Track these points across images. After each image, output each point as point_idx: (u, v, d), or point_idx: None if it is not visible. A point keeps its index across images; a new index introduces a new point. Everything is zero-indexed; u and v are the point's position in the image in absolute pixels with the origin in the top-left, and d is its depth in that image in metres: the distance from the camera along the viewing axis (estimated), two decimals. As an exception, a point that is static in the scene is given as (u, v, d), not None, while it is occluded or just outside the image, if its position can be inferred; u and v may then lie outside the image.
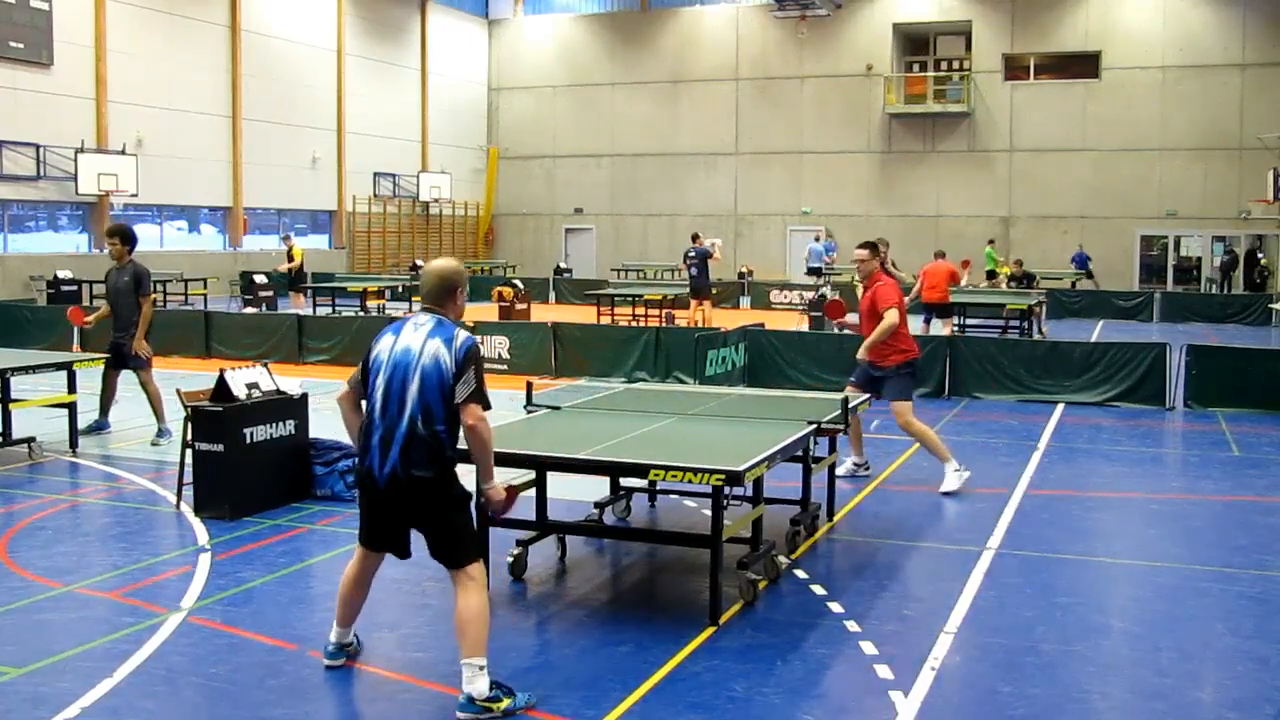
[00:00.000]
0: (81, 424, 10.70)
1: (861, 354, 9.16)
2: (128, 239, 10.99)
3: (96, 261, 28.64)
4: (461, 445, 4.98)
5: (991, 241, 34.21)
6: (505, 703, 4.75)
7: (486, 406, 4.91)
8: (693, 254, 21.95)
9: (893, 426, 11.91)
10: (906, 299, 9.68)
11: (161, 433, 10.73)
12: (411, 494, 4.88)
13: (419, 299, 5.34)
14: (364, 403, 5.12)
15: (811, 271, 32.77)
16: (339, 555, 7.10)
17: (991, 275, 30.96)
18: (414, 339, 4.96)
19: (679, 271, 35.97)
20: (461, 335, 4.96)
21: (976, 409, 13.30)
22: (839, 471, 9.10)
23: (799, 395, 8.79)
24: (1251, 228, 35.11)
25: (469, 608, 4.84)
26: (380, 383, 4.97)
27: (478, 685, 4.73)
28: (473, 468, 5.04)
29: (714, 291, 24.18)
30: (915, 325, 19.51)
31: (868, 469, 9.64)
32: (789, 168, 39.90)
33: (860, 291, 9.80)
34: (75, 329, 18.21)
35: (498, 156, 44.07)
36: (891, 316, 8.94)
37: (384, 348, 5.04)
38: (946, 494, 8.85)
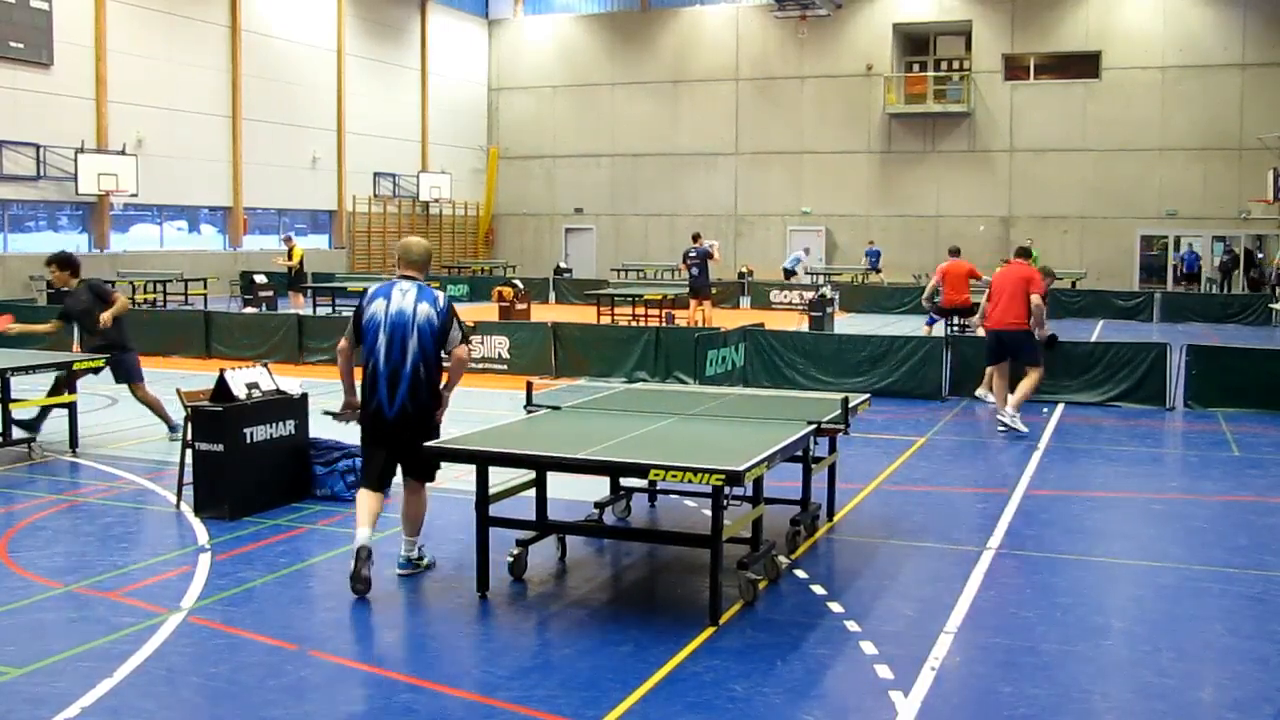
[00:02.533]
0: (127, 409, 10.86)
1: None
2: (66, 264, 10.73)
3: (96, 262, 28.65)
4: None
5: (1030, 242, 32.93)
6: (424, 561, 6.77)
7: (467, 343, 6.69)
8: (693, 254, 21.90)
9: (893, 426, 11.93)
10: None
11: (174, 428, 10.69)
12: (411, 422, 6.40)
13: (399, 268, 6.76)
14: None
15: (787, 274, 33.04)
16: (339, 555, 7.10)
17: None
18: (405, 302, 6.46)
19: (679, 271, 35.99)
20: (441, 297, 6.55)
21: (976, 409, 13.30)
22: (1009, 421, 11.51)
23: (799, 395, 8.79)
24: (1251, 228, 35.12)
25: (420, 504, 6.65)
26: (383, 338, 6.38)
27: (413, 553, 6.70)
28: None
29: (714, 291, 24.17)
30: (919, 326, 19.61)
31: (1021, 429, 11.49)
32: (789, 168, 39.91)
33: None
34: (75, 329, 18.22)
35: (498, 156, 44.07)
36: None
37: (379, 309, 6.46)
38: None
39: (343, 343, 6.64)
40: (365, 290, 6.92)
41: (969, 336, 16.87)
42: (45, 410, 10.72)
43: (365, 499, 6.50)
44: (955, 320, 18.59)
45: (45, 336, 11.42)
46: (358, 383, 6.64)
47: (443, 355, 6.53)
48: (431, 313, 6.43)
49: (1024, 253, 12.71)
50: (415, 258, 6.69)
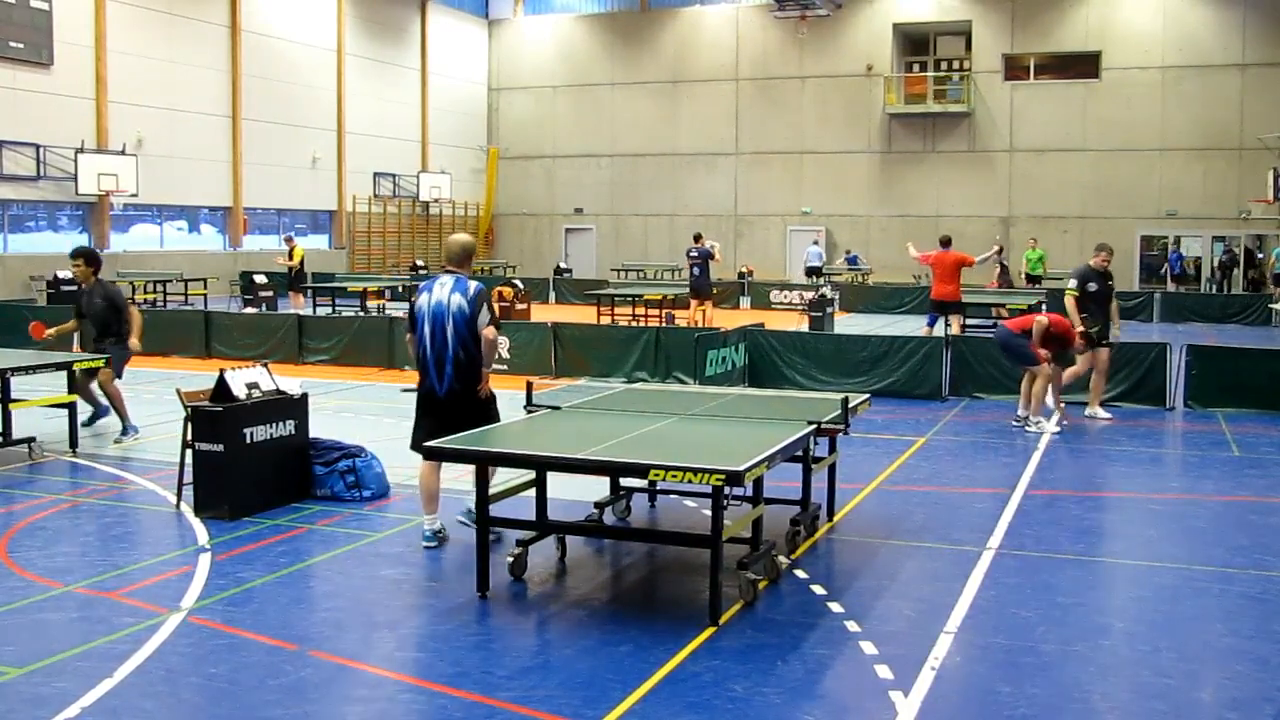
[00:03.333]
0: (82, 416, 10.91)
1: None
2: (92, 260, 11.13)
3: (96, 261, 28.64)
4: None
5: (1034, 240, 32.08)
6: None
7: (498, 327, 7.32)
8: (695, 253, 21.85)
9: (893, 426, 11.94)
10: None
11: (127, 430, 10.87)
12: (460, 399, 7.22)
13: (443, 264, 7.57)
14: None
15: (810, 271, 32.88)
16: (339, 555, 7.10)
17: (1033, 279, 29.73)
18: (442, 295, 7.25)
19: (679, 271, 36.04)
20: (473, 285, 7.26)
21: (976, 409, 13.30)
22: (1051, 427, 11.80)
23: (799, 395, 8.79)
24: (1251, 228, 35.12)
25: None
26: (427, 328, 7.23)
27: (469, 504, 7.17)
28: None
29: (714, 291, 24.14)
30: (919, 327, 19.59)
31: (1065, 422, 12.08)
32: (789, 168, 39.91)
33: None
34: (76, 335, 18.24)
35: (498, 156, 44.07)
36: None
37: (422, 303, 7.29)
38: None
39: (408, 335, 7.53)
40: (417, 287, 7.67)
41: (969, 336, 16.86)
42: (91, 401, 11.24)
43: (427, 478, 7.26)
44: (933, 320, 18.40)
45: (72, 334, 11.84)
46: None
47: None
48: (463, 301, 7.19)
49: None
50: (453, 254, 7.47)
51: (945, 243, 18.83)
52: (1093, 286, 12.60)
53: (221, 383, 8.12)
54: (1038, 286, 28.27)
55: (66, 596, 6.29)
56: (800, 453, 7.09)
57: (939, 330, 18.07)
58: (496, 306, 20.06)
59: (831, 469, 8.21)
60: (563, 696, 4.96)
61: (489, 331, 7.19)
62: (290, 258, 26.21)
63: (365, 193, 38.52)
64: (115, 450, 10.45)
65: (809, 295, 24.41)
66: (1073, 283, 12.59)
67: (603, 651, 5.50)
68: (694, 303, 21.93)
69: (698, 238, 22.89)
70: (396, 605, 6.22)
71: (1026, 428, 11.88)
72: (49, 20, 27.41)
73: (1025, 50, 37.27)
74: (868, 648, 5.57)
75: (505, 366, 16.07)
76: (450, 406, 7.20)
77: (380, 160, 39.02)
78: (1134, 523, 8.44)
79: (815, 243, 35.89)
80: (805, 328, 20.20)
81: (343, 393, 14.34)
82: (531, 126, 43.49)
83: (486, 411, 7.33)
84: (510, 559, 6.64)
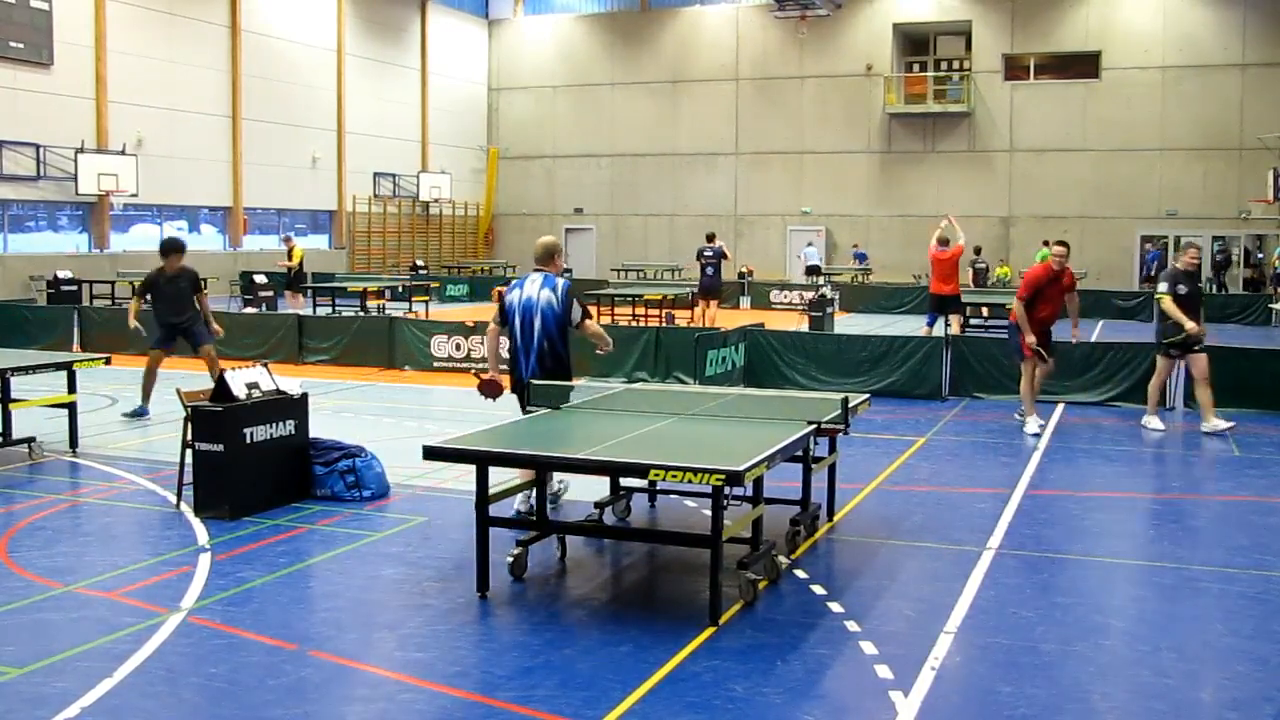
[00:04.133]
0: (126, 408, 11.86)
1: (1033, 345, 11.72)
2: (183, 250, 12.59)
3: (96, 262, 28.67)
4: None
5: (1047, 243, 32.70)
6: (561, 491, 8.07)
7: (589, 317, 8.11)
8: (709, 253, 21.83)
9: (893, 426, 11.93)
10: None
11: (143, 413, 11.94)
12: (547, 380, 7.84)
13: (535, 263, 8.18)
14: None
15: (811, 271, 32.92)
16: (339, 555, 7.10)
17: None
18: (532, 291, 7.91)
19: (680, 271, 36.06)
20: (561, 283, 7.93)
21: (976, 409, 13.30)
22: (1030, 428, 11.59)
23: (799, 395, 8.79)
24: (1251, 228, 35.12)
25: None
26: (517, 321, 7.92)
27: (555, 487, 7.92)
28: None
29: (723, 292, 24.14)
30: (919, 326, 19.60)
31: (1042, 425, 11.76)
32: (789, 168, 39.92)
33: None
34: (76, 328, 18.25)
35: (498, 156, 44.08)
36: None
37: (514, 298, 7.96)
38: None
39: (492, 325, 8.16)
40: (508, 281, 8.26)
41: (970, 336, 16.87)
42: (148, 390, 12.17)
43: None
44: (933, 320, 18.50)
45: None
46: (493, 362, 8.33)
47: (570, 331, 8.02)
48: (552, 298, 7.85)
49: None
50: (538, 253, 8.13)
51: (944, 242, 18.86)
52: (1183, 289, 11.75)
53: (221, 383, 8.12)
54: None
55: (66, 596, 6.29)
56: (800, 453, 7.09)
57: (939, 330, 18.07)
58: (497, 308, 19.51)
59: (831, 469, 8.21)
60: (563, 696, 4.96)
61: (589, 324, 8.10)
62: (289, 258, 26.20)
63: (365, 193, 38.53)
64: (115, 450, 10.45)
65: (809, 295, 24.41)
66: (1163, 285, 11.84)
67: (603, 651, 5.50)
68: (703, 302, 21.94)
69: (711, 237, 22.84)
70: (396, 605, 6.22)
71: (1024, 427, 11.88)
72: (49, 20, 27.42)
73: (1025, 50, 37.28)
74: (868, 648, 5.57)
75: (505, 366, 16.05)
76: (534, 389, 7.88)
77: (380, 160, 39.02)
78: (1134, 523, 8.44)
79: (810, 244, 35.93)
80: (805, 328, 20.18)
81: (343, 393, 14.34)
82: (531, 126, 43.49)
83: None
84: (510, 559, 6.64)
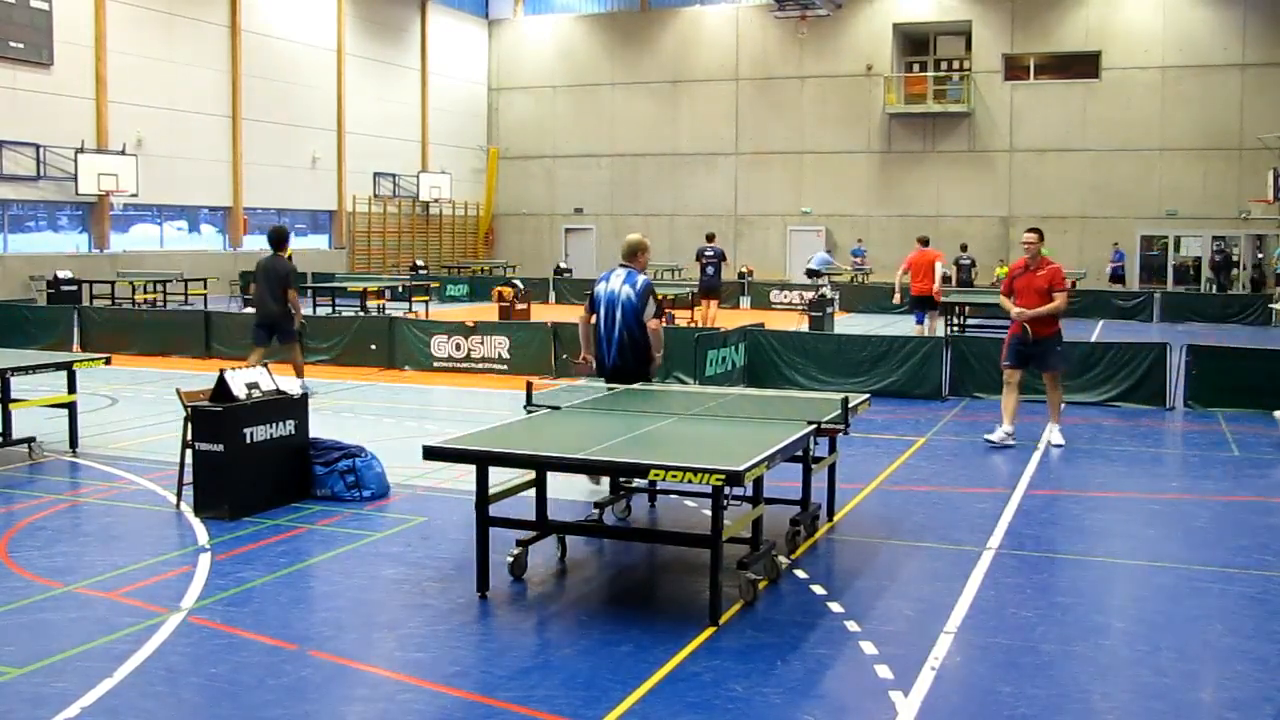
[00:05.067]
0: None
1: (1023, 315, 10.72)
2: (286, 239, 13.47)
3: (96, 262, 28.66)
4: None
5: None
6: None
7: (659, 316, 8.60)
8: (710, 253, 21.99)
9: (893, 426, 11.93)
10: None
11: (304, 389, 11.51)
12: (623, 371, 8.50)
13: (621, 259, 8.70)
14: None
15: (811, 273, 32.97)
16: (339, 555, 7.10)
17: None
18: (615, 284, 8.49)
19: (680, 271, 36.07)
20: (640, 279, 8.47)
21: (976, 409, 13.30)
22: (994, 438, 10.82)
23: (799, 395, 8.79)
24: (1251, 228, 35.12)
25: None
26: (602, 311, 8.51)
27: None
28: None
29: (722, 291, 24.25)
30: (909, 326, 19.62)
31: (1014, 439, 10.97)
32: (789, 168, 39.91)
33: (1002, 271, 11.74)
34: (76, 328, 18.26)
35: (498, 156, 44.08)
36: (1064, 299, 10.85)
37: (600, 290, 8.54)
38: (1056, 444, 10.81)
39: (582, 314, 8.82)
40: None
41: (970, 336, 16.89)
42: (300, 371, 12.91)
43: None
44: (921, 318, 19.08)
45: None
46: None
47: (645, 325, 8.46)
48: (631, 293, 8.39)
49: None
50: (625, 250, 8.68)
51: (924, 242, 19.66)
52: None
53: (221, 383, 8.12)
54: None
55: (66, 596, 6.29)
56: (800, 453, 7.09)
57: (939, 330, 18.12)
58: (497, 308, 19.78)
59: (831, 469, 8.21)
60: (563, 696, 4.96)
61: (653, 323, 8.48)
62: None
63: (365, 193, 38.52)
64: (115, 450, 10.45)
65: (809, 295, 24.42)
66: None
67: (603, 651, 5.50)
68: (704, 301, 22.05)
69: (711, 237, 23.02)
70: (396, 605, 6.22)
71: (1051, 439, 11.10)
72: (49, 20, 27.42)
73: (1025, 50, 37.28)
74: (868, 648, 5.57)
75: (505, 367, 16.08)
76: (618, 378, 8.53)
77: (380, 160, 39.02)
78: (1134, 523, 8.44)
79: (829, 251, 35.87)
80: (805, 328, 20.19)
81: (343, 393, 14.34)
82: (531, 126, 43.49)
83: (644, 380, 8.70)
84: (510, 559, 6.64)
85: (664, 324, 8.69)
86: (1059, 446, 10.84)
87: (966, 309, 20.66)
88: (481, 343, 16.29)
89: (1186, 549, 7.55)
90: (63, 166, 27.66)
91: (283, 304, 12.90)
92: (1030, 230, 11.17)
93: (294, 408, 8.51)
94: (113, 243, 29.96)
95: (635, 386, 8.37)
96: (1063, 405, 11.38)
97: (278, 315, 12.94)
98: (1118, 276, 34.26)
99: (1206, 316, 27.41)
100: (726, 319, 21.32)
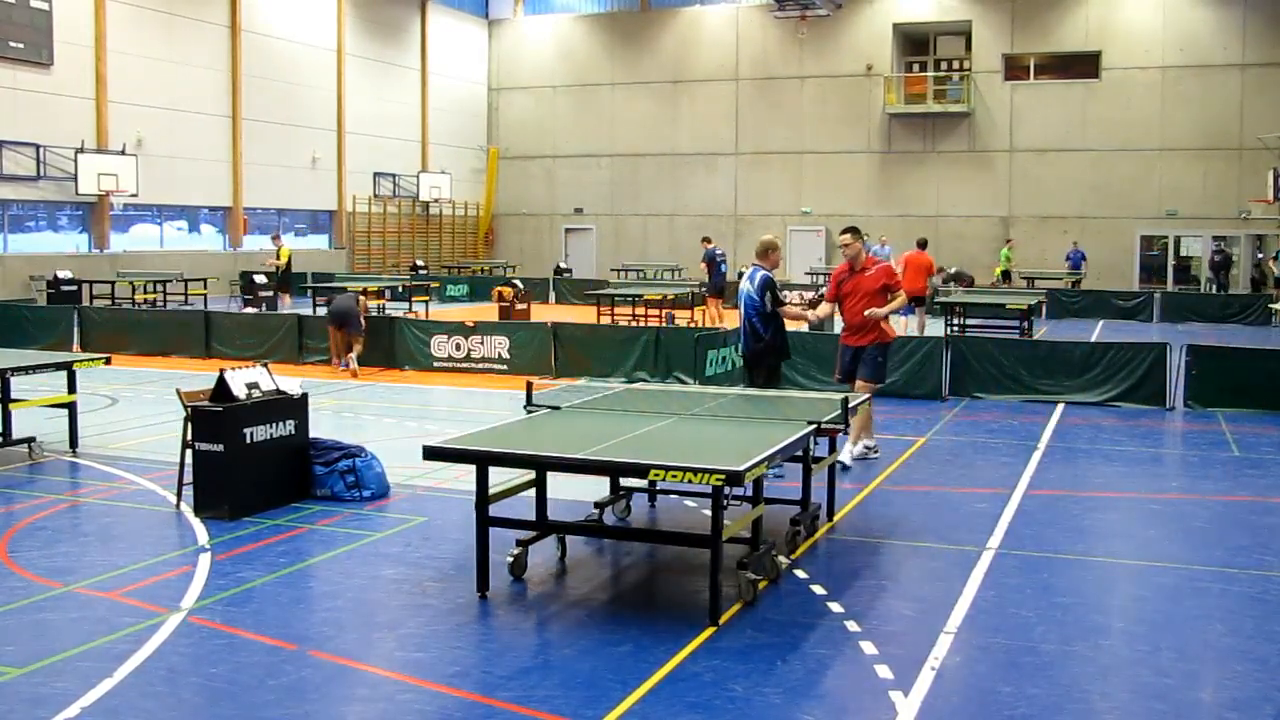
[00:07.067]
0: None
1: (877, 314, 9.88)
2: None
3: (96, 262, 28.65)
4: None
5: (1009, 241, 34.88)
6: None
7: (781, 305, 9.69)
8: (719, 253, 22.61)
9: (893, 425, 11.93)
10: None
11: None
12: (751, 358, 9.77)
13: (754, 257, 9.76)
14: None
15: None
16: (339, 555, 7.10)
17: (1007, 277, 31.68)
18: (745, 281, 9.73)
19: (680, 271, 36.06)
20: (759, 276, 9.57)
21: (976, 409, 13.30)
22: (850, 455, 9.97)
23: (799, 395, 8.79)
24: (1251, 228, 35.11)
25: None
26: (741, 305, 9.72)
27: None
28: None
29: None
30: (897, 320, 19.69)
31: (877, 452, 10.34)
32: (789, 168, 39.90)
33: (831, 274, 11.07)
34: (76, 328, 18.25)
35: (498, 156, 44.07)
36: (904, 296, 10.66)
37: (740, 287, 9.75)
38: (842, 463, 9.57)
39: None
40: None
41: (970, 336, 16.89)
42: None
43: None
44: (910, 310, 19.51)
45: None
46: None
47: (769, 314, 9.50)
48: (751, 288, 9.58)
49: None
50: (758, 249, 9.74)
51: (922, 244, 20.49)
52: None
53: (221, 383, 8.12)
54: (1008, 285, 29.62)
55: (66, 596, 6.29)
56: (800, 453, 7.09)
57: (939, 330, 18.17)
58: (497, 308, 19.87)
59: (831, 469, 8.21)
60: (563, 696, 4.96)
61: (785, 309, 9.74)
62: (277, 257, 26.11)
63: (365, 193, 38.51)
64: (115, 450, 10.45)
65: (809, 295, 24.42)
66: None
67: (603, 651, 5.50)
68: (711, 301, 22.31)
69: (708, 240, 23.49)
70: (396, 605, 6.22)
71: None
72: (49, 20, 27.40)
73: (1025, 50, 37.26)
74: (868, 648, 5.57)
75: (505, 367, 16.09)
76: (749, 362, 9.80)
77: (380, 160, 39.00)
78: (1134, 523, 8.44)
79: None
80: (806, 328, 20.14)
81: (342, 393, 14.34)
82: (531, 126, 43.47)
83: (772, 371, 9.73)
84: (510, 559, 6.64)
85: (781, 310, 9.64)
86: (846, 468, 9.59)
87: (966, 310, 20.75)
88: (481, 343, 16.29)
89: (1186, 549, 7.56)
90: (63, 166, 27.65)
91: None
92: (845, 231, 10.23)
93: (294, 408, 8.51)
94: (113, 243, 29.95)
95: (636, 386, 8.38)
96: (872, 421, 10.23)
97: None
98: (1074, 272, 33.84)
99: (1206, 316, 27.42)
100: (727, 319, 21.33)
